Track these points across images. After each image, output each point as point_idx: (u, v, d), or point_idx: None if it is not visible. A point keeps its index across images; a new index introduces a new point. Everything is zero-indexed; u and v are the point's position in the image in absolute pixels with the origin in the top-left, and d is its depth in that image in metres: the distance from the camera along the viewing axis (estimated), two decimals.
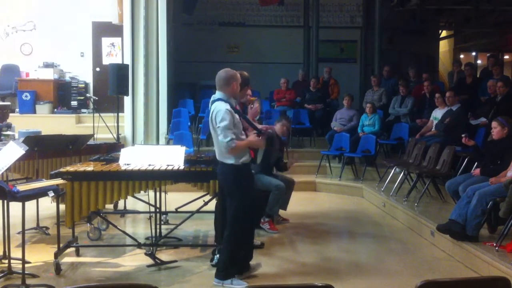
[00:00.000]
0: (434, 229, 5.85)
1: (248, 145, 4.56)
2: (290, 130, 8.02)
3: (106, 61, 11.70)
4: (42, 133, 7.63)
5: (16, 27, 11.85)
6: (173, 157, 5.14)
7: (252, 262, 4.92)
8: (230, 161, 4.52)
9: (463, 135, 6.20)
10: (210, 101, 4.68)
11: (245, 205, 4.57)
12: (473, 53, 19.35)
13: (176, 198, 6.76)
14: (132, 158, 5.18)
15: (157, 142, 10.41)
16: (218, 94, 4.58)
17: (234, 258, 4.67)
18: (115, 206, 7.23)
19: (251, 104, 5.44)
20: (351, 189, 9.02)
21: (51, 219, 6.56)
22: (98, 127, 8.42)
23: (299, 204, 7.80)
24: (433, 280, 2.46)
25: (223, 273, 4.61)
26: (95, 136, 7.70)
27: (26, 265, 4.63)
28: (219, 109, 4.45)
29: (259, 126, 4.98)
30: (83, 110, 11.47)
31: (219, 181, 4.86)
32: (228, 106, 4.46)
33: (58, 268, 4.84)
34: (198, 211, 5.65)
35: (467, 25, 15.74)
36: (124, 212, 7.07)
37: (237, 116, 4.52)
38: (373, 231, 6.83)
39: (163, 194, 6.10)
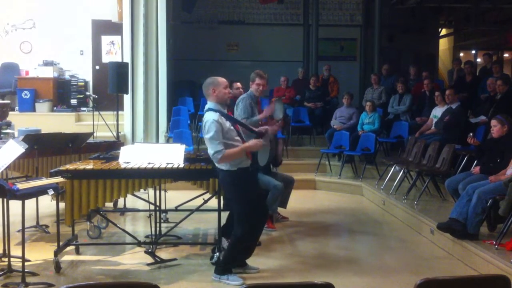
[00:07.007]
0: (434, 227, 5.85)
1: (243, 151, 4.49)
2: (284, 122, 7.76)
3: (105, 59, 11.69)
4: (42, 131, 7.63)
5: (15, 25, 11.84)
6: (173, 155, 5.14)
7: (251, 264, 4.93)
8: (224, 167, 4.53)
9: (469, 135, 6.18)
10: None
11: (246, 208, 4.57)
12: (473, 51, 19.31)
13: (175, 196, 6.77)
14: (131, 156, 5.18)
15: (157, 140, 10.40)
16: (208, 103, 4.61)
17: (235, 257, 4.74)
18: (115, 204, 7.23)
19: (271, 104, 5.42)
20: (351, 187, 9.02)
21: (51, 217, 6.56)
22: (98, 125, 8.40)
23: (298, 202, 7.80)
24: (433, 278, 2.47)
25: (221, 268, 4.67)
26: (94, 134, 7.68)
27: (26, 263, 4.64)
28: (207, 119, 4.47)
29: (257, 129, 4.91)
30: (82, 108, 11.46)
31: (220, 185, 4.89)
32: (216, 116, 4.43)
33: (58, 266, 4.84)
34: (197, 209, 5.64)
35: (467, 23, 15.71)
36: (124, 210, 7.07)
37: (228, 123, 4.50)
38: (372, 229, 6.84)
39: (162, 192, 6.11)
